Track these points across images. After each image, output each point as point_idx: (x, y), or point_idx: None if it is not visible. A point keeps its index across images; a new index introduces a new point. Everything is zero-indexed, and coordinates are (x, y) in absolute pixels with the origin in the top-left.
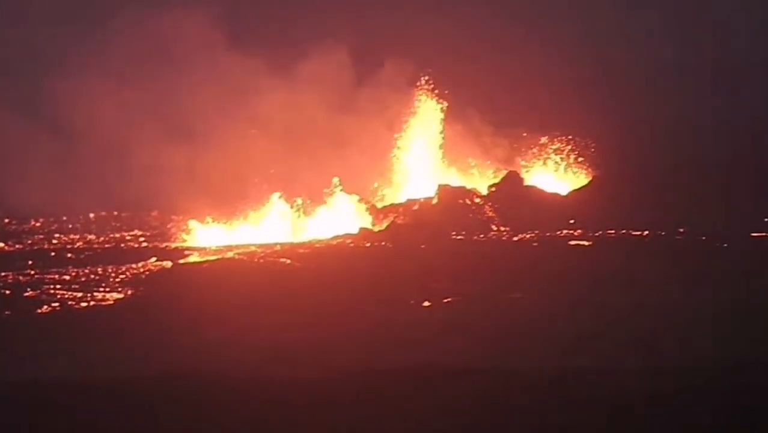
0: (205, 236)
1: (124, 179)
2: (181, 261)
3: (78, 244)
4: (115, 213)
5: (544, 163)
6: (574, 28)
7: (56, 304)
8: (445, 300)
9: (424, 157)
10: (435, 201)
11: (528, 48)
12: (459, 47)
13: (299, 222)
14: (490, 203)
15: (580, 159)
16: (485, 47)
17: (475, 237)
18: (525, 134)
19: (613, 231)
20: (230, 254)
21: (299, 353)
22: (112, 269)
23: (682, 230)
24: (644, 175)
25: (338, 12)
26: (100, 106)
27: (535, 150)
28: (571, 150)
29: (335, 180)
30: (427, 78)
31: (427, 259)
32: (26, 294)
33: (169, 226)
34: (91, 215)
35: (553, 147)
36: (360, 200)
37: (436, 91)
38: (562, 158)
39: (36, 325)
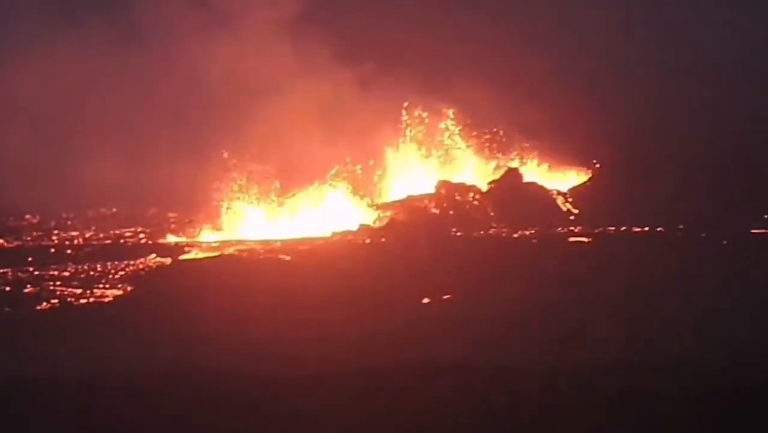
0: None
1: (121, 176)
2: (181, 257)
3: (77, 240)
4: (114, 210)
5: (543, 162)
6: (573, 26)
7: (56, 300)
8: (445, 297)
9: (422, 155)
10: (434, 197)
11: (526, 47)
12: (456, 48)
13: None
14: (489, 200)
15: (580, 157)
16: (482, 47)
17: (475, 234)
18: (526, 143)
19: (612, 228)
20: (230, 250)
21: (299, 349)
22: (111, 265)
23: (681, 226)
24: (644, 172)
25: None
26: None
27: (534, 148)
28: (571, 147)
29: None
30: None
31: (427, 255)
32: (26, 290)
33: (170, 222)
34: (89, 212)
35: (552, 145)
36: (360, 196)
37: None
38: (560, 156)
39: (36, 321)
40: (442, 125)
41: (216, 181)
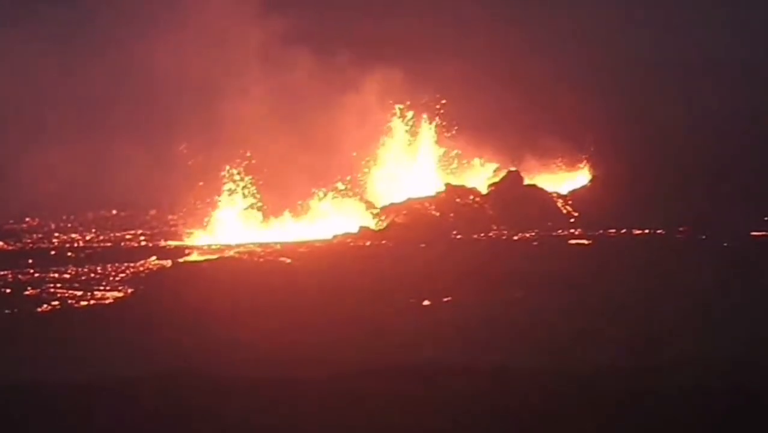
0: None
1: (121, 177)
2: (181, 260)
3: (77, 243)
4: (114, 212)
5: (544, 163)
6: (573, 25)
7: (56, 303)
8: (445, 299)
9: (423, 156)
10: (434, 200)
11: (525, 47)
12: (453, 47)
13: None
14: (490, 202)
15: (580, 158)
16: (480, 47)
17: (475, 236)
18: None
19: (613, 230)
20: (230, 253)
21: (299, 352)
22: (112, 267)
23: (682, 228)
24: (644, 174)
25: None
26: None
27: (534, 149)
28: (571, 149)
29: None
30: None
31: (427, 258)
32: (26, 293)
33: (171, 224)
34: (89, 214)
35: (553, 147)
36: (360, 199)
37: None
38: (561, 158)
39: (36, 324)
40: (428, 125)
41: (211, 184)
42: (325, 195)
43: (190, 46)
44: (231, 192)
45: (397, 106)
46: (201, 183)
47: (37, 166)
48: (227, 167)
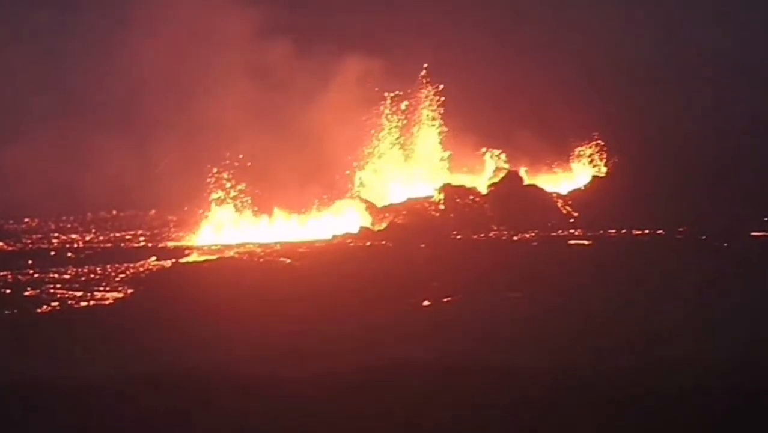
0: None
1: (122, 179)
2: (182, 260)
3: (77, 243)
4: (114, 212)
5: (544, 164)
6: (573, 25)
7: (56, 303)
8: (445, 299)
9: (423, 155)
10: (435, 200)
11: (526, 47)
12: (453, 46)
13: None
14: (490, 202)
15: (581, 159)
16: (481, 46)
17: (475, 236)
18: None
19: (613, 231)
20: (230, 253)
21: (299, 352)
22: (111, 268)
23: (682, 229)
24: (644, 174)
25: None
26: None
27: (532, 149)
28: (572, 150)
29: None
30: (425, 72)
31: (427, 258)
32: (26, 293)
33: (171, 225)
34: (89, 215)
35: (551, 146)
36: (359, 200)
37: (434, 89)
38: (560, 157)
39: (36, 324)
40: (425, 118)
41: (207, 185)
42: (324, 201)
43: (175, 45)
44: (222, 200)
45: (387, 94)
46: (195, 183)
47: (34, 166)
48: (215, 170)
